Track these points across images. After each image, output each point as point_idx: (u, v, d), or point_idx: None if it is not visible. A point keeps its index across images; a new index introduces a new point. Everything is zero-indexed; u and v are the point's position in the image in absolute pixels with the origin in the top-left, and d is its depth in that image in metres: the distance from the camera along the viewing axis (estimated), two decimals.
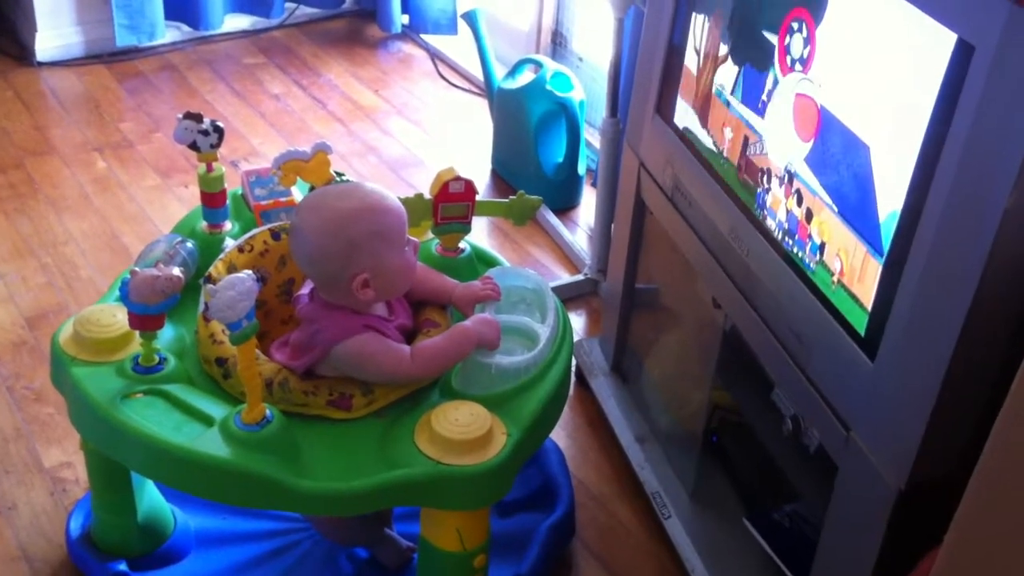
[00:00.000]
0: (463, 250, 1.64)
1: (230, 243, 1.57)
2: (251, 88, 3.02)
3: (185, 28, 3.21)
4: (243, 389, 1.36)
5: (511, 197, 1.64)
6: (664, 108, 1.70)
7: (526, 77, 2.54)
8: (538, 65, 2.54)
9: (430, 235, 1.64)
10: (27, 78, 2.99)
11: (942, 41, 1.06)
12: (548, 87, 2.47)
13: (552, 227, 2.48)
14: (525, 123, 2.51)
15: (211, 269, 1.49)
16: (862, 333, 1.23)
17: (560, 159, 2.53)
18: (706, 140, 1.57)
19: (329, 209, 1.36)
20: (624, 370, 1.99)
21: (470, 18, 2.67)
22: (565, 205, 2.56)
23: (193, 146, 1.54)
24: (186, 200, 2.50)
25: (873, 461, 1.21)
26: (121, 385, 1.36)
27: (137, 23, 3.04)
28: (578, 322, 2.20)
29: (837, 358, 1.27)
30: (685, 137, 1.63)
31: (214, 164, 1.57)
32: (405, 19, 3.29)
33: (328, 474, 1.30)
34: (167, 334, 1.46)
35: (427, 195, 1.60)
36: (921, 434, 1.14)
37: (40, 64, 3.04)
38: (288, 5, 3.33)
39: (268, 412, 1.31)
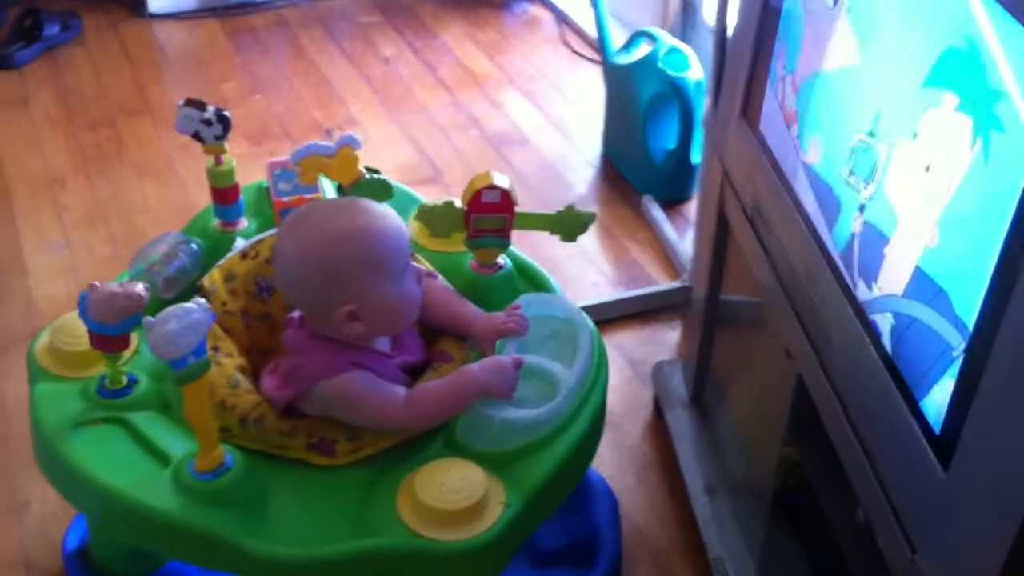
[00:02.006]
0: (502, 266, 1.42)
1: (240, 244, 1.40)
2: (361, 49, 2.85)
3: None
4: (224, 423, 1.21)
5: (558, 210, 1.41)
6: (751, 110, 1.43)
7: (641, 52, 2.27)
8: (652, 39, 2.26)
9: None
10: (137, 30, 2.91)
11: None
12: (660, 65, 2.19)
13: (656, 223, 2.21)
14: (634, 104, 2.25)
15: (205, 279, 1.33)
16: (937, 431, 0.96)
17: (672, 146, 2.26)
18: (790, 157, 1.29)
19: (310, 232, 1.17)
20: (704, 402, 1.74)
21: None
22: (675, 197, 2.29)
23: (197, 137, 1.38)
24: None
25: None
26: (80, 409, 1.21)
27: None
28: (669, 338, 1.95)
29: (907, 458, 1.00)
30: (770, 150, 1.36)
31: (223, 156, 1.41)
32: None
33: (289, 536, 1.12)
34: None
35: (458, 203, 1.39)
36: (999, 569, 0.87)
37: (152, 16, 2.96)
38: None
39: (228, 459, 1.14)
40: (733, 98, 1.47)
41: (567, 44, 2.87)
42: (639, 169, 2.29)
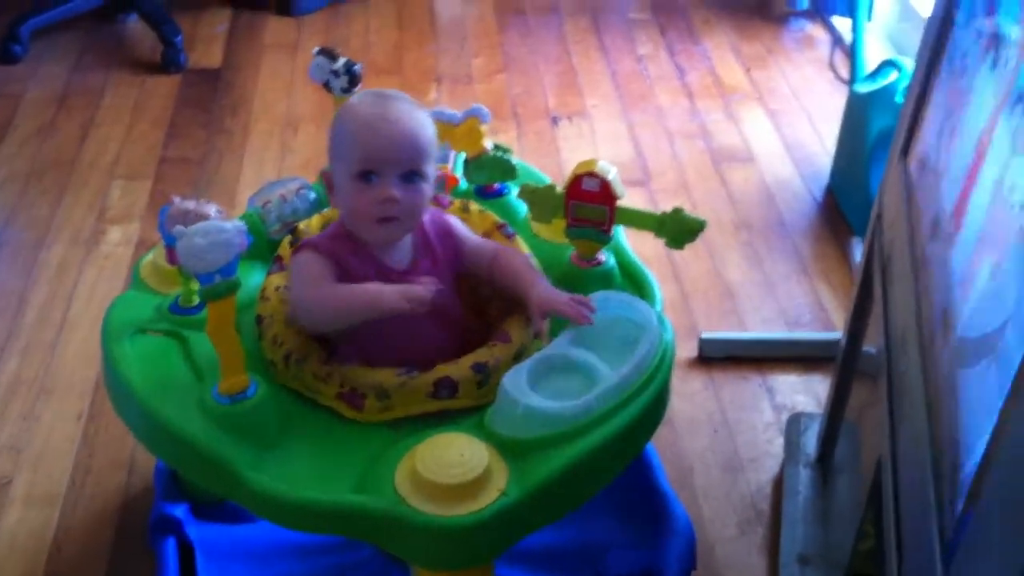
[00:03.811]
0: (601, 262, 1.35)
1: None
2: (619, 44, 2.81)
3: None
4: (271, 356, 1.23)
5: (664, 211, 1.31)
6: (909, 149, 1.27)
7: (883, 81, 2.09)
8: (899, 69, 2.07)
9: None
10: None
11: None
12: (898, 98, 2.01)
13: (857, 267, 2.03)
14: (863, 136, 2.07)
15: (302, 222, 1.35)
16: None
17: None
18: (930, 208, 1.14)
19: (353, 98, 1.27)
20: (829, 464, 1.57)
21: (852, 1, 2.25)
22: None
23: (327, 87, 1.40)
24: None
25: None
26: (148, 318, 1.27)
27: None
28: (820, 391, 1.78)
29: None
30: (915, 196, 1.21)
31: None
32: None
33: (289, 477, 1.12)
34: (254, 279, 1.35)
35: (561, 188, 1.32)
36: None
37: None
38: None
39: (251, 388, 1.15)
40: (900, 136, 1.32)
41: (833, 68, 2.69)
42: (857, 207, 2.11)
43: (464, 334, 1.27)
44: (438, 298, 1.18)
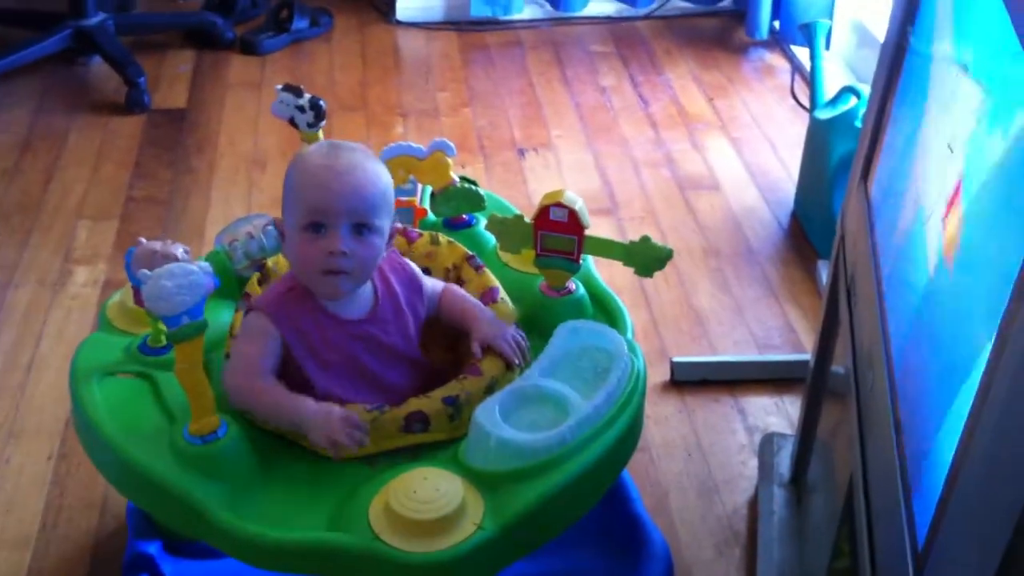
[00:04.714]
0: (571, 291, 1.36)
1: None
2: (582, 76, 2.84)
3: (547, 7, 3.10)
4: None
5: (632, 240, 1.32)
6: (868, 172, 1.29)
7: (843, 108, 2.12)
8: (857, 95, 2.11)
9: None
10: (381, 34, 3.04)
11: None
12: (857, 123, 2.04)
13: (825, 290, 2.05)
14: (824, 161, 2.11)
15: (270, 259, 1.36)
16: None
17: None
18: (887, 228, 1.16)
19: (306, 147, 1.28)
20: (803, 484, 1.58)
21: (809, 31, 2.29)
22: None
23: (292, 123, 1.41)
24: None
25: None
26: (116, 360, 1.26)
27: None
28: (792, 411, 1.80)
29: None
30: (874, 218, 1.23)
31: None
32: (777, 24, 2.94)
33: (261, 516, 1.12)
34: (223, 317, 1.34)
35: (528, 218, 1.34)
36: None
37: (398, 23, 3.08)
38: None
39: (222, 428, 1.15)
40: (859, 158, 1.34)
41: (795, 97, 2.72)
42: (821, 231, 2.14)
43: (431, 376, 1.28)
44: (361, 436, 1.15)
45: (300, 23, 2.95)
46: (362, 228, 1.20)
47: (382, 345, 1.25)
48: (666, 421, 1.76)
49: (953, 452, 0.77)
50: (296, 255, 1.21)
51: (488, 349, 1.26)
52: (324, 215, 1.18)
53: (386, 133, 2.57)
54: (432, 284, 1.34)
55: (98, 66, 2.80)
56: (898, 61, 1.25)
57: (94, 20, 2.73)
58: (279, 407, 1.17)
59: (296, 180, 1.21)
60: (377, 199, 1.21)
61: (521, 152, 2.49)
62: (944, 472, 0.79)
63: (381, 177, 1.23)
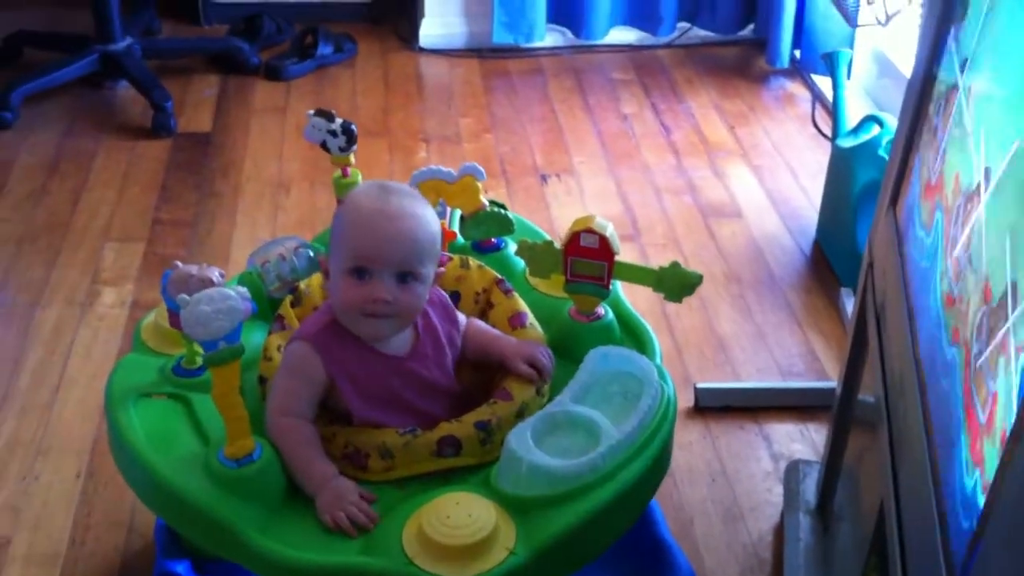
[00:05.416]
0: (600, 316, 1.37)
1: None
2: (604, 103, 2.86)
3: (569, 35, 3.13)
4: None
5: (661, 266, 1.33)
6: (897, 199, 1.30)
7: (865, 136, 2.13)
8: (880, 124, 2.12)
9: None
10: (404, 61, 3.07)
11: None
12: (880, 152, 2.05)
13: (848, 317, 2.06)
14: (848, 190, 2.11)
15: (303, 282, 1.37)
16: None
17: None
18: (919, 249, 1.16)
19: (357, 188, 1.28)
20: (829, 512, 1.58)
21: (831, 60, 2.30)
22: None
23: (324, 147, 1.43)
24: None
25: None
26: (151, 381, 1.28)
27: (516, 22, 3.01)
28: (816, 439, 1.80)
29: None
30: (904, 244, 1.23)
31: (350, 169, 1.44)
32: (797, 53, 2.95)
33: (296, 540, 1.12)
34: (255, 339, 1.36)
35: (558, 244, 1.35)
36: None
37: (421, 49, 3.11)
38: (681, 24, 3.12)
39: (257, 451, 1.16)
40: (887, 187, 1.35)
41: (816, 125, 2.74)
42: (844, 259, 2.14)
43: (465, 404, 1.28)
44: (366, 522, 1.15)
45: (324, 49, 2.98)
46: (407, 276, 1.20)
47: (422, 380, 1.26)
48: (690, 447, 1.76)
49: (990, 480, 0.78)
50: (339, 297, 1.22)
51: (521, 370, 1.27)
52: (369, 261, 1.19)
53: (409, 158, 2.59)
54: (459, 317, 1.35)
55: (125, 90, 2.83)
56: (928, 86, 1.25)
57: (121, 44, 2.77)
58: (294, 457, 1.18)
59: (345, 222, 1.21)
60: (423, 247, 1.20)
61: (543, 178, 2.51)
62: (980, 501, 0.79)
63: (429, 223, 1.22)
